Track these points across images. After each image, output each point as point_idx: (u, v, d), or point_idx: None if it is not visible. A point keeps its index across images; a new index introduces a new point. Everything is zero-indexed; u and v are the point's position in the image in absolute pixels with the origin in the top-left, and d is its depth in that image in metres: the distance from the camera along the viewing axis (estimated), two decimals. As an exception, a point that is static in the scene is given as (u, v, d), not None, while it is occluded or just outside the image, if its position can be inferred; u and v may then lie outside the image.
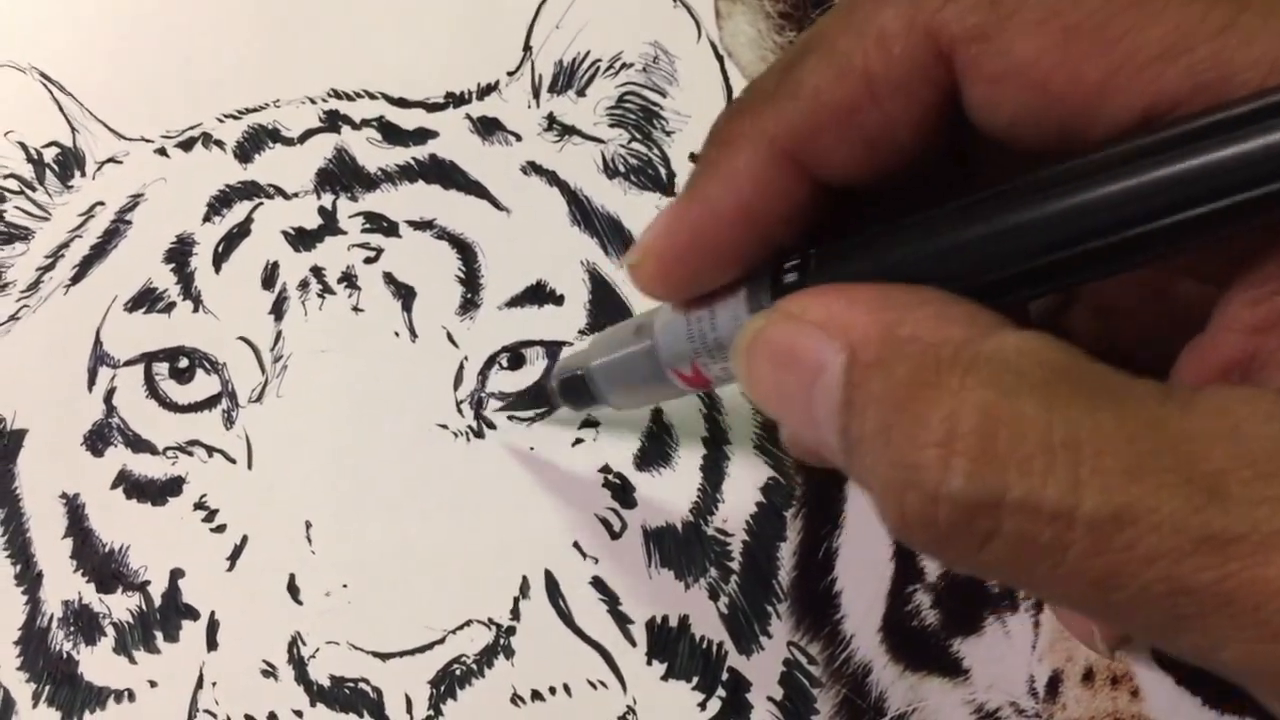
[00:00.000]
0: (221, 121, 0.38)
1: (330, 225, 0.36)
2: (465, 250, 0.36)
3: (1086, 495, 0.17)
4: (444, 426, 0.35)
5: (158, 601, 0.34)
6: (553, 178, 0.37)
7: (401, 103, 0.38)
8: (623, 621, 0.33)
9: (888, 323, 0.19)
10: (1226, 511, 0.17)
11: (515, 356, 0.35)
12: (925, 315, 0.19)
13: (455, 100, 0.38)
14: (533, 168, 0.37)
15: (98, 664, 0.34)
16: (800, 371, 0.20)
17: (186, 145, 0.38)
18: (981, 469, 0.18)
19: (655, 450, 0.35)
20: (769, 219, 0.23)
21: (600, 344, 0.30)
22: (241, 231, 0.36)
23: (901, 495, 0.18)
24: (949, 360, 0.18)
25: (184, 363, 0.36)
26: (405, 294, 0.36)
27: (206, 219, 0.37)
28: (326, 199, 0.37)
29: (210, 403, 0.35)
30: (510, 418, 0.35)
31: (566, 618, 0.33)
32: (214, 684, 0.33)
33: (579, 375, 0.30)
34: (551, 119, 0.37)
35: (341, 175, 0.37)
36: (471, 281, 0.36)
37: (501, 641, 0.33)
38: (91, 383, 0.36)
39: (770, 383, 0.21)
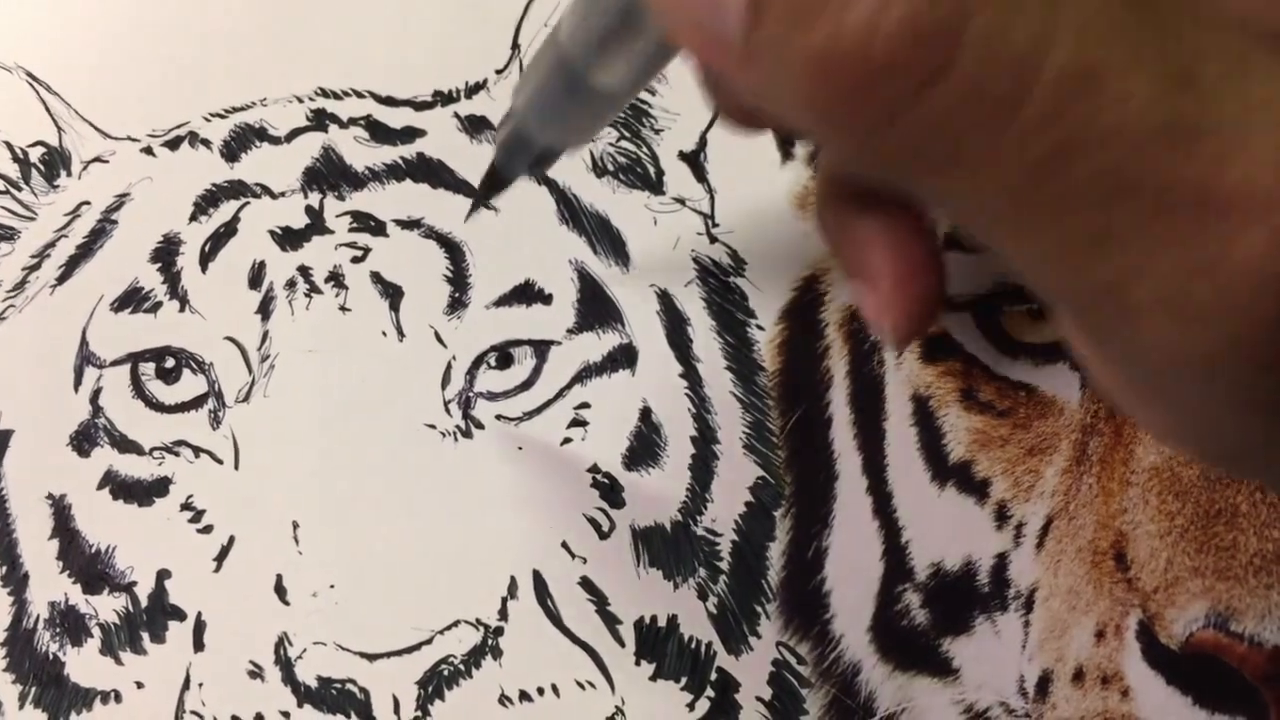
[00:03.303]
0: (208, 120, 0.38)
1: (317, 224, 0.36)
2: (453, 249, 0.36)
3: (1060, 43, 0.15)
4: (432, 426, 0.35)
5: (144, 602, 0.34)
6: (541, 176, 0.36)
7: (389, 101, 0.38)
8: (611, 621, 0.33)
9: None
10: (1196, 102, 0.15)
11: (503, 356, 0.35)
12: None
13: (443, 99, 0.38)
14: (521, 166, 0.37)
15: (84, 665, 0.34)
16: None
17: (173, 144, 0.38)
18: None
19: (644, 450, 0.35)
20: None
21: (520, 85, 0.27)
22: (228, 231, 0.36)
23: (838, 14, 0.15)
24: None
25: (170, 363, 0.35)
26: (393, 293, 0.35)
27: (193, 218, 0.37)
28: (314, 198, 0.37)
29: (197, 403, 0.35)
30: (498, 417, 0.35)
31: (555, 618, 0.33)
32: (201, 685, 0.33)
33: (515, 130, 0.27)
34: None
35: (329, 174, 0.37)
36: (459, 281, 0.36)
37: (489, 642, 0.33)
38: (78, 383, 0.36)
39: None
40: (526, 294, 0.36)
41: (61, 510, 0.35)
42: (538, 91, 0.25)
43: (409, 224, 0.36)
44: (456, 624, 0.33)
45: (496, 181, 0.30)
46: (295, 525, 0.34)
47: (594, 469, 0.34)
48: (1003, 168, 0.15)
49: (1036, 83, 0.15)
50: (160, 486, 0.35)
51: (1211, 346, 0.15)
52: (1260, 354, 0.15)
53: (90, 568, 0.34)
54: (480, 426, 0.35)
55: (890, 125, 0.16)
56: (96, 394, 0.35)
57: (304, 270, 0.36)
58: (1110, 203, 0.15)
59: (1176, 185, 0.15)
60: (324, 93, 0.38)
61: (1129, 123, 0.15)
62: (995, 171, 0.15)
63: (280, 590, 0.33)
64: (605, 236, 0.36)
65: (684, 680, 0.33)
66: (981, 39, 0.15)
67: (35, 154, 0.38)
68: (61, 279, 0.37)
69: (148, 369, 0.35)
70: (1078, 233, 0.16)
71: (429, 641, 0.33)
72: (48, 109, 0.38)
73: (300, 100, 0.38)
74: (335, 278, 0.36)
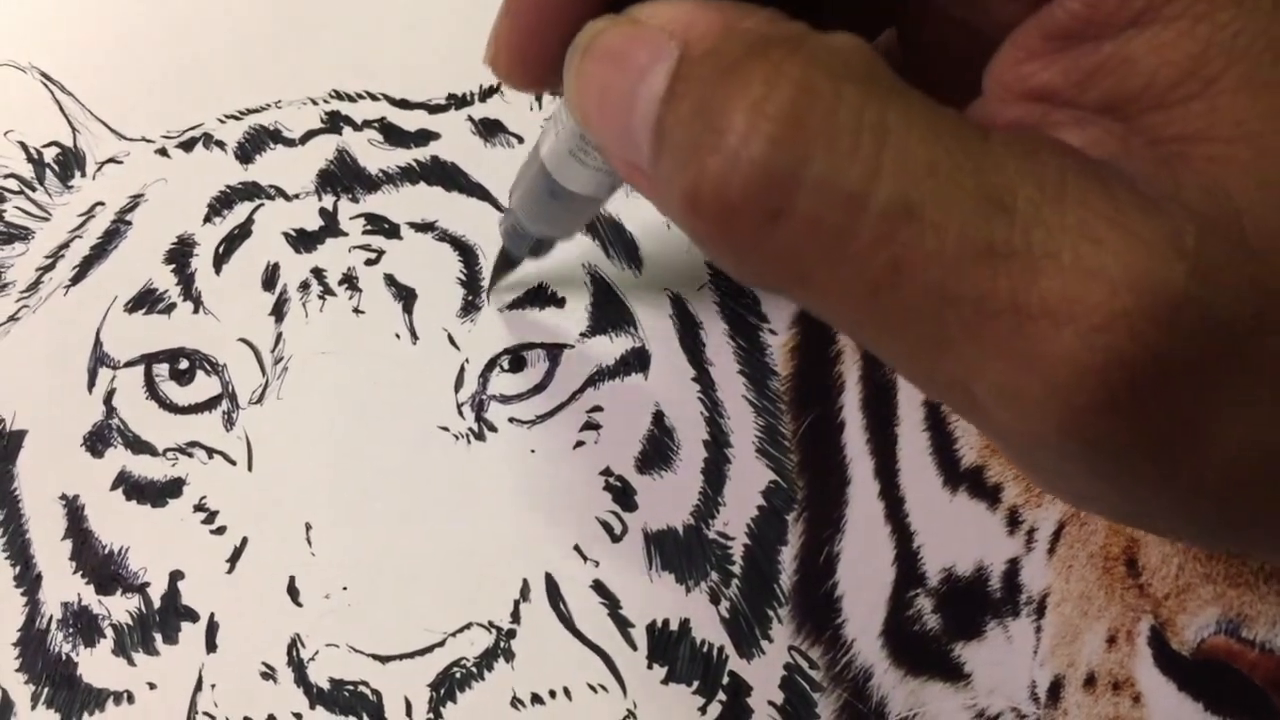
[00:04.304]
0: (223, 122, 0.38)
1: (331, 227, 0.36)
2: (467, 252, 0.36)
3: (883, 182, 0.17)
4: (445, 429, 0.35)
5: (157, 603, 0.34)
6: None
7: (403, 104, 0.38)
8: (623, 625, 0.33)
9: (729, 19, 0.19)
10: (1009, 226, 0.17)
11: (516, 359, 0.35)
12: (770, 14, 0.19)
13: (457, 102, 0.38)
14: (535, 169, 0.37)
15: (97, 666, 0.34)
16: (629, 69, 0.19)
17: (187, 145, 0.38)
18: (788, 136, 0.17)
19: (656, 453, 0.35)
20: None
21: (514, 186, 0.30)
22: (242, 232, 0.36)
23: (703, 160, 0.18)
24: (780, 40, 0.18)
25: (184, 364, 0.35)
26: (406, 296, 0.35)
27: (207, 220, 0.37)
28: (328, 200, 0.37)
29: (210, 404, 0.35)
30: (511, 420, 0.35)
31: (567, 621, 0.33)
32: (213, 686, 0.33)
33: (512, 224, 0.31)
34: (553, 121, 0.37)
35: (343, 176, 0.37)
36: (473, 283, 0.36)
37: (501, 644, 0.33)
38: (91, 384, 0.36)
39: (596, 85, 0.20)
40: (540, 297, 0.36)
41: (75, 511, 0.35)
42: (525, 194, 0.29)
43: (423, 227, 0.36)
44: (469, 626, 0.33)
45: (507, 262, 0.34)
46: (308, 527, 0.34)
47: (606, 472, 0.34)
48: (845, 286, 0.18)
49: (864, 215, 0.17)
50: (173, 488, 0.35)
51: (1047, 431, 0.18)
52: (1088, 435, 0.17)
53: (103, 568, 0.34)
54: (493, 429, 0.35)
55: (749, 251, 0.18)
56: (110, 395, 0.35)
57: (318, 272, 0.36)
58: (938, 315, 0.17)
59: (993, 297, 0.17)
60: (338, 95, 0.38)
61: (946, 246, 0.17)
62: (840, 289, 0.18)
63: (293, 592, 0.33)
64: (618, 240, 0.36)
65: (696, 684, 0.33)
66: (815, 183, 0.17)
67: (50, 154, 0.38)
68: (75, 279, 0.37)
69: (161, 370, 0.35)
70: (919, 338, 0.18)
71: (441, 644, 0.33)
72: (62, 109, 0.38)
73: (314, 102, 0.38)
74: (349, 280, 0.36)
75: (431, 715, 0.32)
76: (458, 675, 0.33)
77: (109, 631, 0.34)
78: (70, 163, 0.38)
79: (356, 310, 0.35)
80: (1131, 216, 0.17)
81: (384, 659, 0.33)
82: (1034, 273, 0.17)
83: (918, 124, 0.17)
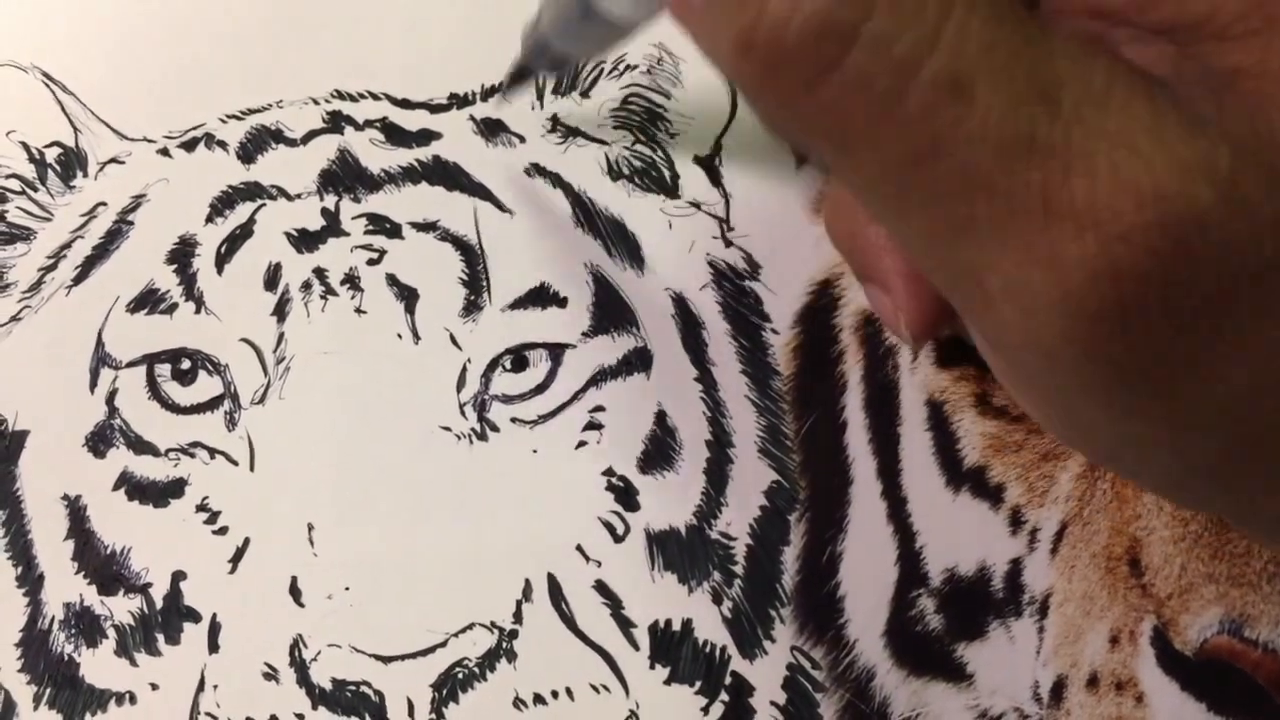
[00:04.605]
0: (224, 122, 0.38)
1: (333, 227, 0.36)
2: (468, 252, 0.36)
3: (940, 53, 0.17)
4: (447, 429, 0.35)
5: (159, 604, 0.34)
6: (556, 180, 0.36)
7: (405, 104, 0.38)
8: (625, 625, 0.33)
9: None
10: (1052, 120, 0.17)
11: (518, 359, 0.35)
12: None
13: (459, 101, 0.38)
14: (536, 170, 0.37)
15: (99, 666, 0.34)
16: None
17: (189, 145, 0.38)
18: None
19: (658, 453, 0.35)
20: None
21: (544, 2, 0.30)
22: (244, 232, 0.36)
23: (763, 2, 0.18)
24: None
25: (186, 364, 0.35)
26: (408, 296, 0.35)
27: (209, 220, 0.37)
28: (329, 200, 0.37)
29: (212, 404, 0.35)
30: (513, 420, 0.35)
31: (569, 621, 0.33)
32: (215, 686, 0.33)
33: (537, 36, 0.31)
34: (555, 121, 0.37)
35: (345, 176, 0.37)
36: (474, 283, 0.36)
37: (504, 645, 0.33)
38: (93, 384, 0.36)
39: None
40: (542, 297, 0.36)
41: (77, 511, 0.35)
42: (557, 9, 0.29)
43: (424, 226, 0.36)
44: (471, 627, 0.33)
45: (521, 73, 0.34)
46: (310, 527, 0.34)
47: (609, 472, 0.34)
48: (882, 153, 0.18)
49: (913, 84, 0.17)
50: (176, 488, 0.35)
51: (1048, 333, 0.18)
52: (1088, 344, 0.18)
53: (105, 569, 0.34)
54: (495, 429, 0.35)
55: (795, 101, 0.18)
56: (112, 395, 0.35)
57: (320, 272, 0.36)
58: (969, 197, 0.17)
59: (1025, 189, 0.17)
60: (340, 95, 0.38)
61: (989, 130, 0.17)
62: (876, 155, 0.18)
63: (295, 592, 0.33)
64: (620, 240, 0.36)
65: (698, 684, 0.33)
66: (872, 40, 0.17)
67: (51, 154, 0.38)
68: (77, 280, 0.37)
69: (163, 370, 0.35)
70: (943, 219, 0.18)
71: (444, 644, 0.33)
72: (64, 109, 0.38)
73: (316, 102, 0.38)
74: (351, 280, 0.36)
75: (434, 715, 0.32)
76: (460, 676, 0.33)
77: (111, 632, 0.34)
78: (72, 163, 0.38)
79: (358, 310, 0.35)
80: (1172, 132, 0.17)
81: (386, 659, 0.33)
82: (1067, 172, 0.17)
83: (984, 2, 0.17)
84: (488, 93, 0.38)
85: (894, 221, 0.20)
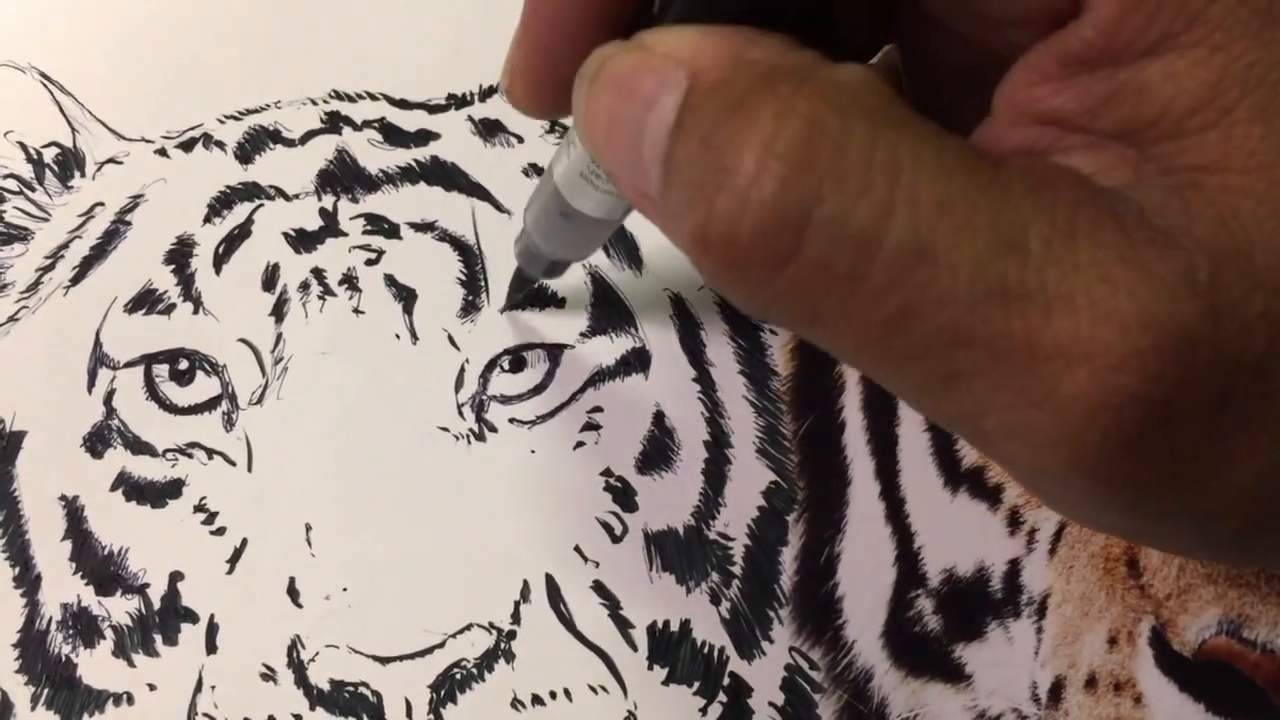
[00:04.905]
0: (222, 122, 0.38)
1: (331, 227, 0.36)
2: (467, 252, 0.36)
3: (895, 223, 0.17)
4: (445, 429, 0.35)
5: (157, 604, 0.34)
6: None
7: (403, 104, 0.38)
8: (624, 626, 0.33)
9: (738, 48, 0.19)
10: (1022, 265, 0.17)
11: (517, 359, 0.35)
12: (778, 44, 0.19)
13: (457, 102, 0.38)
14: (535, 170, 0.37)
15: (96, 667, 0.34)
16: (637, 99, 0.19)
17: (187, 146, 0.38)
18: (798, 175, 0.17)
19: (656, 454, 0.35)
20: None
21: (528, 206, 0.30)
22: (242, 233, 0.36)
23: (711, 199, 0.17)
24: (787, 73, 0.18)
25: (184, 364, 0.35)
26: (406, 296, 0.35)
27: (207, 220, 0.37)
28: (327, 200, 0.37)
29: (210, 405, 0.35)
30: (511, 420, 0.35)
31: (567, 622, 0.33)
32: (213, 687, 0.33)
33: (526, 245, 0.31)
34: (554, 121, 0.37)
35: (343, 177, 0.37)
36: (473, 284, 0.36)
37: (502, 645, 0.33)
38: (91, 384, 0.36)
39: (604, 113, 0.20)
40: (540, 297, 0.36)
41: (74, 512, 0.35)
42: (538, 215, 0.29)
43: (423, 227, 0.36)
44: (469, 627, 0.33)
45: (522, 282, 0.34)
46: (308, 528, 0.34)
47: (607, 473, 0.34)
48: (855, 327, 0.18)
49: (876, 257, 0.17)
50: (173, 488, 0.35)
51: (1057, 466, 0.18)
52: (1096, 470, 0.17)
53: (103, 569, 0.34)
54: (493, 430, 0.35)
55: (758, 292, 0.18)
56: (110, 395, 0.35)
57: (318, 273, 0.36)
58: (951, 354, 0.17)
59: (1007, 338, 0.17)
60: (338, 95, 0.38)
61: (960, 288, 0.17)
62: (851, 329, 0.18)
63: (293, 593, 0.33)
64: (619, 240, 0.36)
65: (697, 685, 0.33)
66: (825, 224, 0.17)
67: (49, 154, 0.38)
68: (75, 280, 0.37)
69: (161, 371, 0.35)
70: (929, 376, 0.18)
71: (442, 645, 0.33)
72: (61, 109, 0.38)
73: (314, 102, 0.38)
74: (349, 280, 0.36)
75: (432, 716, 0.32)
76: (458, 676, 0.33)
77: (109, 633, 0.34)
78: (70, 163, 0.38)
79: (356, 310, 0.35)
80: (1145, 253, 0.17)
81: (384, 660, 0.33)
82: (1048, 313, 0.17)
83: (929, 159, 0.17)
84: (486, 93, 0.38)
85: (880, 379, 0.19)
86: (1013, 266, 0.17)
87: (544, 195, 0.28)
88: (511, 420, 0.35)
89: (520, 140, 0.37)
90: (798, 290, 0.18)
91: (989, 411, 0.18)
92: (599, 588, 0.34)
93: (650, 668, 0.33)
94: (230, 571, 0.34)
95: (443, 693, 0.32)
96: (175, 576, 0.34)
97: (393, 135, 0.37)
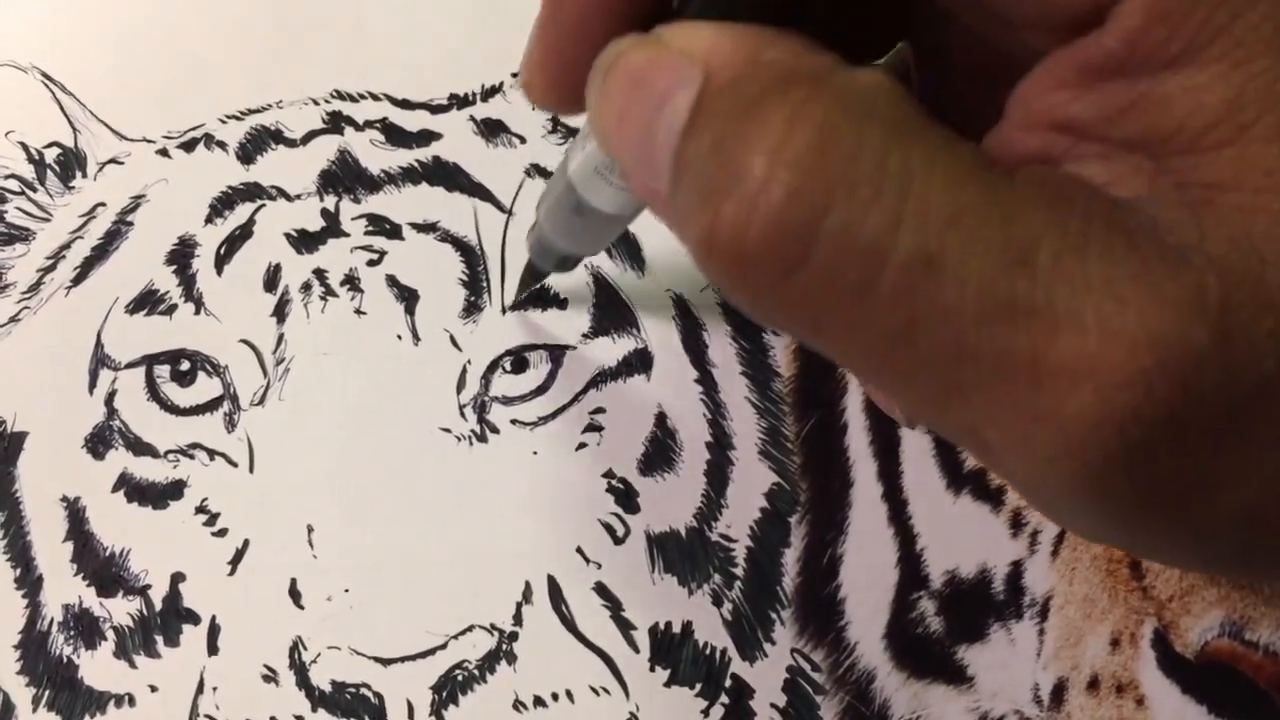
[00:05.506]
0: (224, 122, 0.38)
1: (333, 227, 0.36)
2: (469, 253, 0.36)
3: (904, 233, 0.17)
4: (447, 430, 0.35)
5: (158, 605, 0.34)
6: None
7: (405, 104, 0.38)
8: (626, 627, 0.33)
9: (754, 48, 0.18)
10: (1031, 281, 0.17)
11: (519, 360, 0.35)
12: (795, 44, 0.18)
13: (459, 102, 0.38)
14: (537, 170, 0.37)
15: (98, 668, 0.34)
16: (651, 94, 0.19)
17: (188, 146, 0.38)
18: (808, 183, 0.17)
19: (659, 455, 0.35)
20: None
21: (541, 199, 0.30)
22: (244, 233, 0.36)
23: (719, 204, 0.17)
24: (803, 76, 0.18)
25: (185, 365, 0.35)
26: (408, 297, 0.35)
27: (208, 220, 0.37)
28: (329, 201, 0.37)
29: (212, 406, 0.35)
30: (513, 421, 0.35)
31: (569, 623, 0.33)
32: (215, 689, 0.33)
33: (539, 238, 0.31)
34: (556, 121, 0.37)
35: (344, 177, 0.37)
36: (474, 284, 0.36)
37: (504, 647, 0.33)
38: (92, 385, 0.36)
39: (617, 107, 0.20)
40: (542, 298, 0.36)
41: (76, 513, 0.35)
42: (551, 210, 0.29)
43: (424, 227, 0.36)
44: (471, 629, 0.33)
45: (534, 275, 0.34)
46: (310, 529, 0.34)
47: (609, 474, 0.34)
48: (859, 336, 0.18)
49: (884, 269, 0.17)
50: (175, 489, 0.35)
51: (1058, 482, 0.18)
52: (1097, 487, 0.17)
53: (104, 571, 0.34)
54: (495, 431, 0.35)
55: (763, 298, 0.18)
56: (111, 396, 0.35)
57: (319, 273, 0.36)
58: (955, 367, 0.17)
59: (1012, 354, 0.17)
60: (339, 95, 0.38)
61: (967, 302, 0.17)
62: (855, 340, 0.18)
63: (295, 594, 0.33)
64: (621, 241, 0.36)
65: (698, 686, 0.33)
66: (833, 234, 0.17)
67: (50, 155, 0.38)
68: (76, 280, 0.37)
69: (163, 371, 0.35)
70: (933, 389, 0.18)
71: (443, 646, 0.33)
72: (63, 110, 0.38)
73: (316, 103, 0.38)
74: (351, 281, 0.36)
75: (433, 718, 0.32)
76: (460, 678, 0.33)
77: (110, 634, 0.34)
78: (71, 163, 0.38)
79: (358, 311, 0.35)
80: (1156, 270, 0.17)
81: (386, 661, 0.33)
82: (1054, 330, 0.17)
83: (941, 169, 0.17)
84: (488, 93, 0.38)
85: (884, 391, 0.19)
86: (1021, 282, 0.17)
87: (557, 189, 0.28)
88: (513, 421, 0.35)
89: (522, 140, 0.37)
90: (803, 299, 0.17)
91: (991, 425, 0.17)
92: (601, 589, 0.34)
93: (652, 669, 0.33)
94: (232, 573, 0.34)
95: (444, 694, 0.32)
96: (177, 578, 0.34)
97: (395, 135, 0.37)
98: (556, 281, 0.36)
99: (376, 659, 0.33)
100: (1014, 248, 0.17)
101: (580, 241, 0.30)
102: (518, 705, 0.33)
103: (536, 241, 0.32)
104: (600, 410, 0.35)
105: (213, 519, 0.34)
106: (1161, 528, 0.18)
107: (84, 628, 0.34)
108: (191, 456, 0.35)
